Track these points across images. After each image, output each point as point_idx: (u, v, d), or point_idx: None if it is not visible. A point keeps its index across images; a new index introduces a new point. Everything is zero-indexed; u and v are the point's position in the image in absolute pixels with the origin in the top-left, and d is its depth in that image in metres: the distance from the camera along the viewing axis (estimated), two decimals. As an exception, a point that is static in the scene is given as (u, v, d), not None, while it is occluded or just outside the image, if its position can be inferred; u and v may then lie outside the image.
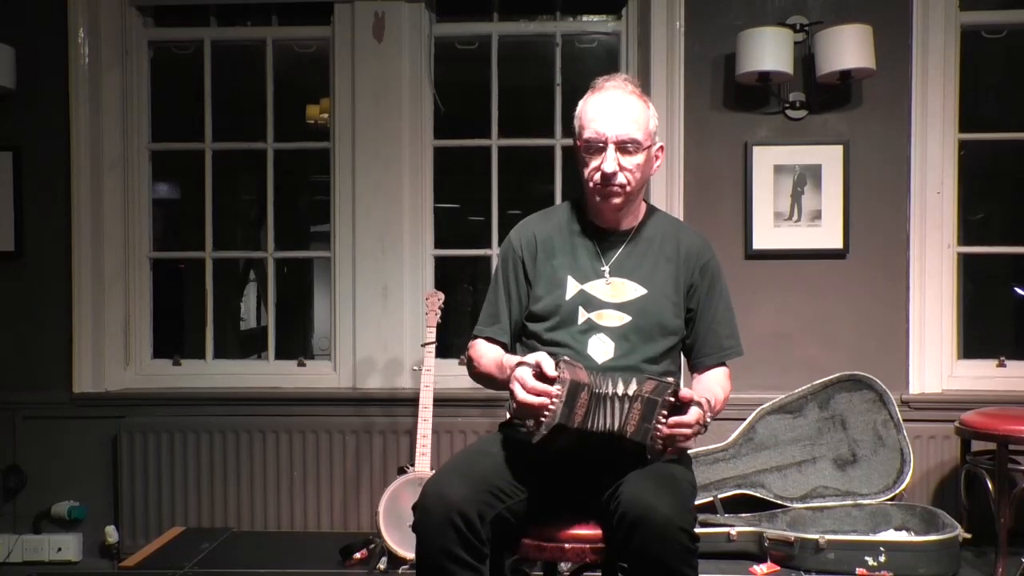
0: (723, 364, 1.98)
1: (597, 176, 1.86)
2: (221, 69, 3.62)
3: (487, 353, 1.94)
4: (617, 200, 1.88)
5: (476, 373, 1.96)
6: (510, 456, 1.78)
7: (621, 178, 1.85)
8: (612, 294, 1.89)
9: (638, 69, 3.40)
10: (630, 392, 1.65)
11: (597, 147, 1.85)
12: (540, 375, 1.66)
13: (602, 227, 1.96)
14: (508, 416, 1.93)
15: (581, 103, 1.93)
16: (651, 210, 2.03)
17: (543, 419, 1.63)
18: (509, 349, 1.97)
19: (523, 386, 1.66)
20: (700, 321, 1.96)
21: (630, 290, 1.90)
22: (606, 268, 1.92)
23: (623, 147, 1.84)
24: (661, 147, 1.96)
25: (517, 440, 1.81)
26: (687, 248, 1.96)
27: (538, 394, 1.64)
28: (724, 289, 2.00)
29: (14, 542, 3.38)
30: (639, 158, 1.86)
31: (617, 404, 1.65)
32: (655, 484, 1.62)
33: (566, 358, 1.69)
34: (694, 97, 3.30)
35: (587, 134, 1.86)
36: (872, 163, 3.26)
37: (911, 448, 3.06)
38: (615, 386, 1.66)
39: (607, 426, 1.66)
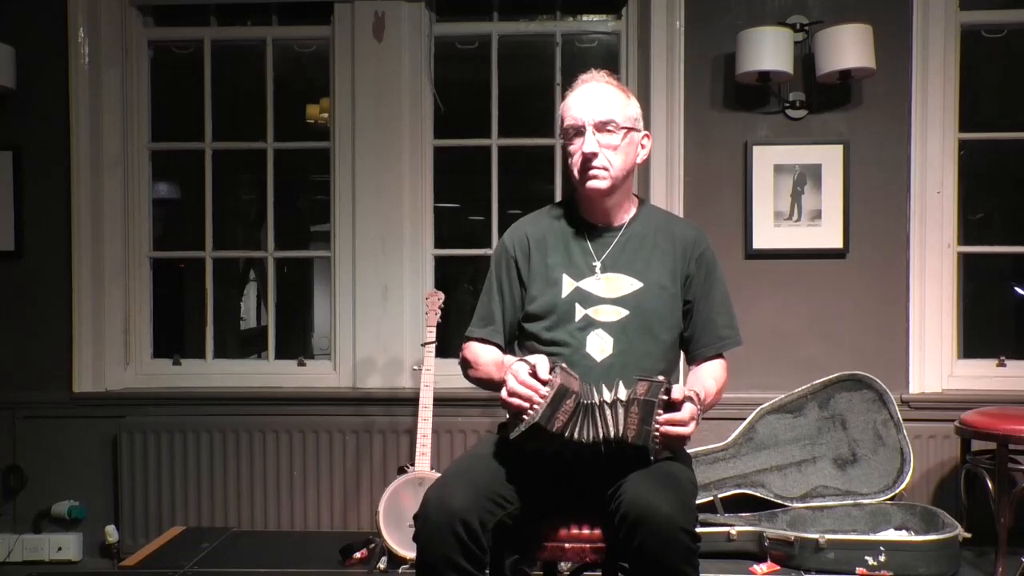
0: (721, 356, 1.97)
1: (578, 159, 1.88)
2: (221, 69, 3.62)
3: (484, 354, 1.95)
4: (602, 184, 1.89)
5: (474, 376, 1.97)
6: (511, 460, 1.77)
7: (602, 159, 1.87)
8: (607, 289, 1.90)
9: (638, 69, 3.40)
10: (623, 397, 1.66)
11: (577, 131, 1.89)
12: (535, 375, 1.68)
13: (594, 223, 1.97)
14: (508, 416, 1.93)
15: (562, 104, 1.97)
16: (643, 204, 2.03)
17: (525, 416, 1.65)
18: (504, 350, 1.97)
19: (515, 377, 1.68)
20: (698, 312, 1.95)
21: (625, 284, 1.90)
22: (599, 264, 1.92)
23: (602, 127, 1.87)
24: (647, 135, 1.98)
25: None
26: (682, 240, 1.96)
27: (526, 387, 1.66)
28: (721, 279, 1.99)
29: (14, 542, 3.38)
30: (618, 138, 1.88)
31: (609, 412, 1.66)
32: (656, 484, 1.62)
33: (563, 365, 1.70)
34: (694, 97, 3.30)
35: (567, 123, 1.90)
36: (872, 163, 3.26)
37: (911, 448, 3.06)
38: (603, 395, 1.67)
39: (595, 436, 1.66)
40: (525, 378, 1.67)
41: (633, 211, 1.99)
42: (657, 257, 1.93)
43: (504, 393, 1.69)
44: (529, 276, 1.95)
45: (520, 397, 1.66)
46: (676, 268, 1.93)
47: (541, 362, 1.68)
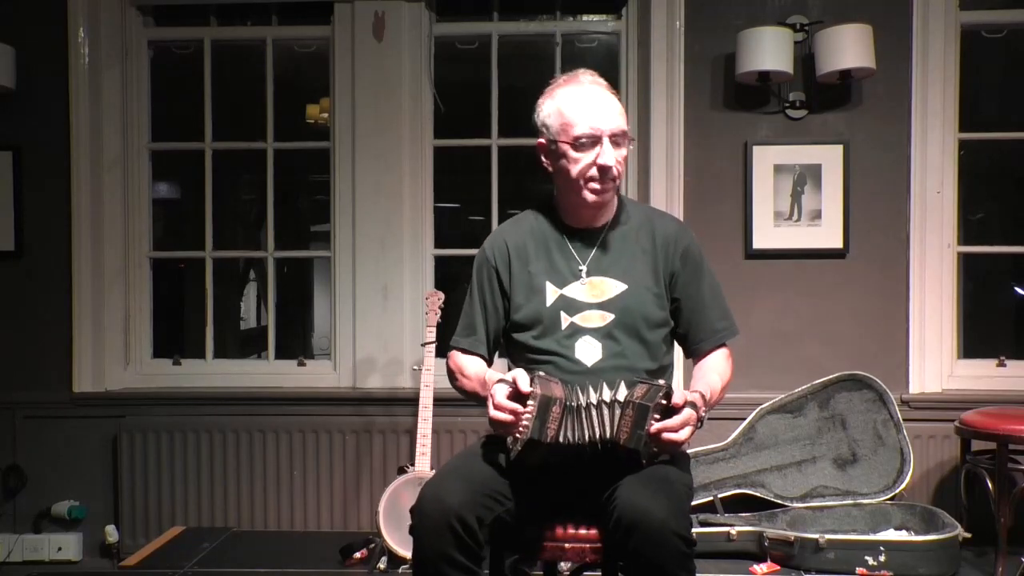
0: (722, 346, 1.95)
1: (593, 171, 1.82)
2: (221, 69, 3.62)
3: (468, 367, 1.93)
4: (608, 196, 1.87)
5: (459, 387, 1.96)
6: (507, 459, 1.77)
7: (615, 171, 1.83)
8: (592, 294, 1.87)
9: (638, 69, 3.40)
10: (620, 398, 1.65)
11: (592, 141, 1.81)
12: (515, 392, 1.67)
13: (575, 227, 1.93)
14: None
15: (551, 100, 1.88)
16: (622, 202, 1.99)
17: (517, 435, 1.64)
18: (488, 360, 1.96)
19: (493, 402, 1.68)
20: (689, 308, 1.92)
21: (610, 288, 1.87)
22: (583, 268, 1.90)
23: (615, 140, 1.82)
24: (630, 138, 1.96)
25: None
26: (663, 236, 1.92)
27: (506, 411, 1.65)
28: (709, 272, 1.96)
29: (14, 542, 3.38)
30: (625, 150, 1.86)
31: (605, 412, 1.65)
32: (650, 488, 1.61)
33: (541, 374, 1.70)
34: (694, 97, 3.29)
35: (579, 130, 1.81)
36: (872, 163, 3.26)
37: (911, 448, 3.06)
38: (599, 394, 1.67)
39: (586, 437, 1.66)
40: (501, 401, 1.66)
41: (614, 210, 1.95)
42: (639, 257, 1.90)
43: (490, 422, 1.70)
44: (511, 285, 1.93)
45: (503, 422, 1.66)
46: (659, 267, 1.90)
47: (520, 377, 1.68)
